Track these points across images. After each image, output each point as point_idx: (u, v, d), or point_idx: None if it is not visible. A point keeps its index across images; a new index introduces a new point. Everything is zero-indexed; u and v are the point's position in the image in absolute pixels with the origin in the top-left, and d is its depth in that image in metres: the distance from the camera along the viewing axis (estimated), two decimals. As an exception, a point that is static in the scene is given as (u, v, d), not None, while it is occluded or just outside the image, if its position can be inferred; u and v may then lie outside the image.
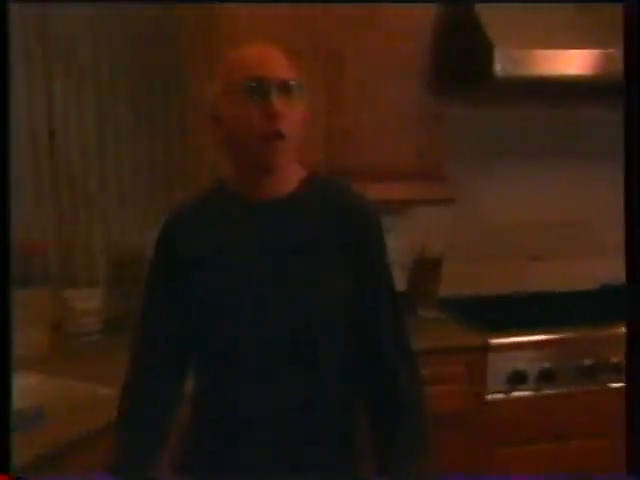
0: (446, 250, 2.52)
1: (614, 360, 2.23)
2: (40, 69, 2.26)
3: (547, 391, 2.22)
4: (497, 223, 2.65)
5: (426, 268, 2.52)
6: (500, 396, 2.19)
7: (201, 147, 2.24)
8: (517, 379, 2.19)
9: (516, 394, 2.21)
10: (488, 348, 2.19)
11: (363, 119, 2.29)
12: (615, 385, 2.24)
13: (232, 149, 1.16)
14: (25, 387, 1.64)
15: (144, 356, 1.24)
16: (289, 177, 1.21)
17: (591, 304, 2.50)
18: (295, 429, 1.16)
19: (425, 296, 2.51)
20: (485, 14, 2.24)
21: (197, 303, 1.17)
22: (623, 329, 1.07)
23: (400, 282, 2.35)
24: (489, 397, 2.18)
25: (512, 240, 2.66)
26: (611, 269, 2.01)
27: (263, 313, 1.14)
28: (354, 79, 2.28)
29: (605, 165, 2.12)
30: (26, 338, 1.87)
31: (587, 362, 2.25)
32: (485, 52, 2.18)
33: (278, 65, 1.14)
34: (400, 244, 2.48)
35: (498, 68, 2.15)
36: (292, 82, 1.13)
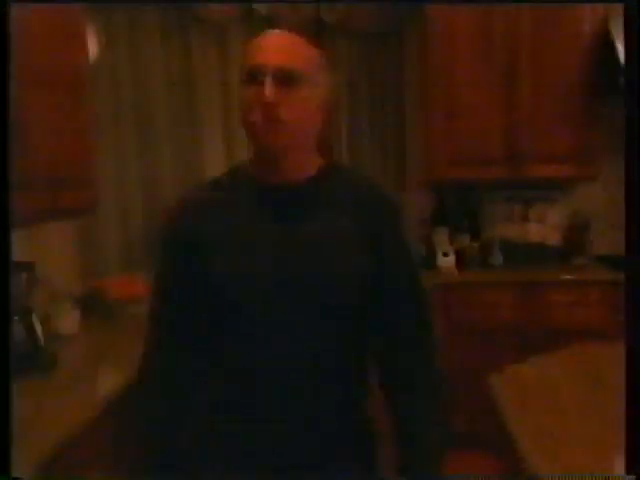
0: (595, 217, 3.40)
1: None
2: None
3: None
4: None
5: (578, 230, 3.43)
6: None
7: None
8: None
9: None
10: (619, 282, 2.97)
11: (534, 114, 3.22)
12: None
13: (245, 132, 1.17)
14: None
15: (159, 336, 1.23)
16: (305, 164, 1.21)
17: None
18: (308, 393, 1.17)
19: (577, 250, 3.42)
20: (616, 29, 3.02)
21: (211, 284, 1.15)
22: None
23: (557, 239, 3.32)
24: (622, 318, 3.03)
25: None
26: None
27: (277, 293, 1.14)
28: (528, 81, 3.20)
29: None
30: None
31: None
32: (614, 66, 2.95)
33: (280, 53, 1.12)
34: (561, 212, 3.45)
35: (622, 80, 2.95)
36: (291, 70, 1.11)
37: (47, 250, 2.43)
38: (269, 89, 1.09)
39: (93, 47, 2.73)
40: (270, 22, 3.24)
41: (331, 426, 1.18)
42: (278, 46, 1.14)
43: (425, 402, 1.23)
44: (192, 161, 3.16)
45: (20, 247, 2.23)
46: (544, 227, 3.48)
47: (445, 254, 3.34)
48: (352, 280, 1.17)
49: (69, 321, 2.32)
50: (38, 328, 1.95)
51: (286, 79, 1.11)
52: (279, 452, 1.17)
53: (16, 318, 1.90)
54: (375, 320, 1.24)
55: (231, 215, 1.18)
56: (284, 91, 1.11)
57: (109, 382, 1.92)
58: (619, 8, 3.13)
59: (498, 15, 3.22)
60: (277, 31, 1.17)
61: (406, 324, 1.24)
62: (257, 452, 1.18)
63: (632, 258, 1.16)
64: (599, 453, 1.33)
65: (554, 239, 3.46)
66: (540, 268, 3.31)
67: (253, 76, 1.11)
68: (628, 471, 1.04)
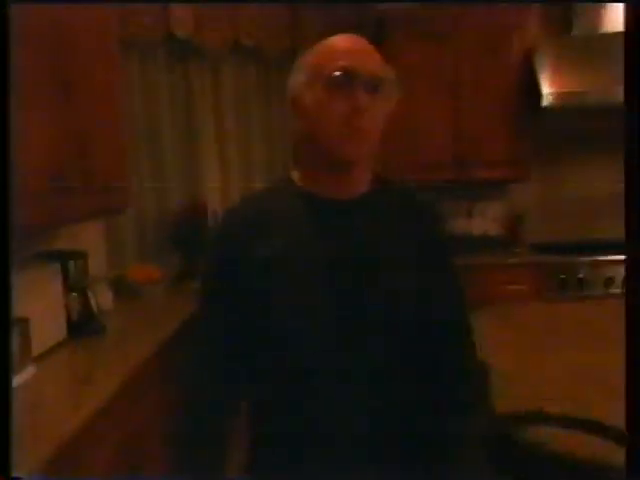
0: (528, 211, 4.11)
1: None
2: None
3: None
4: (566, 194, 4.15)
5: (514, 222, 4.13)
6: (552, 294, 3.74)
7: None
8: (561, 284, 3.75)
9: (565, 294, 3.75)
10: (545, 264, 3.75)
11: (476, 126, 3.92)
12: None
13: (310, 141, 1.12)
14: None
15: (204, 356, 1.19)
16: (361, 177, 1.17)
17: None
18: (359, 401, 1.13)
19: (513, 238, 4.11)
20: (539, 62, 3.77)
21: (261, 299, 1.11)
22: None
23: (497, 230, 3.97)
24: (546, 294, 3.73)
25: (576, 206, 4.04)
26: None
27: (328, 312, 1.10)
28: (470, 100, 3.90)
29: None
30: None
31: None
32: (536, 91, 3.71)
33: (368, 58, 1.08)
34: (500, 208, 4.12)
35: (545, 102, 3.69)
36: (382, 77, 1.08)
37: (85, 242, 3.00)
38: (362, 95, 1.06)
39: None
40: (255, 54, 3.86)
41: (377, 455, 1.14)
42: (365, 50, 1.11)
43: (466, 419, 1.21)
44: (193, 173, 3.79)
45: (69, 239, 2.83)
46: (486, 221, 4.17)
47: (404, 245, 3.98)
48: (410, 296, 1.14)
49: (105, 299, 2.91)
50: (93, 302, 2.54)
51: (375, 86, 1.08)
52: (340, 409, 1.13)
53: (75, 294, 2.49)
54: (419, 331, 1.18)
55: (284, 229, 1.13)
56: (371, 98, 1.07)
57: (142, 345, 2.48)
58: (544, 44, 3.86)
59: (446, 43, 3.91)
60: (352, 35, 1.13)
61: (450, 333, 1.23)
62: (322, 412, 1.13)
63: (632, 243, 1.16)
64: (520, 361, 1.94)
65: (495, 231, 4.15)
66: (483, 255, 3.97)
67: (340, 80, 1.06)
68: (628, 471, 1.03)
